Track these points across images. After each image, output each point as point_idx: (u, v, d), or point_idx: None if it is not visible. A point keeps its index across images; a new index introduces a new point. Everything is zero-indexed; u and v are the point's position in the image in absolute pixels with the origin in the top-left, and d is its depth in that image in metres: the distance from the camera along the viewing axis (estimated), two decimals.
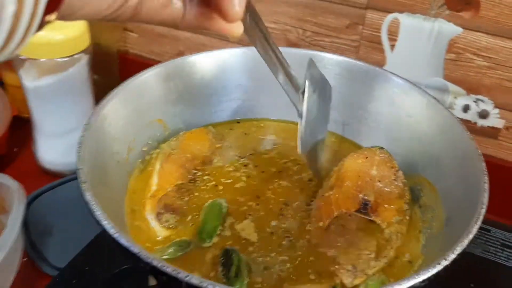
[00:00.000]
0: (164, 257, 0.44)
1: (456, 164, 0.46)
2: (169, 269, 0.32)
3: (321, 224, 0.47)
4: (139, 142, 0.52)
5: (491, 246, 0.60)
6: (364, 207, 0.48)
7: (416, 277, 0.33)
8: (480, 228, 0.62)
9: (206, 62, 0.57)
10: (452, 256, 0.35)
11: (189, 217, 0.48)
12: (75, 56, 0.68)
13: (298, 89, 0.47)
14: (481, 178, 0.41)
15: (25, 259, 0.64)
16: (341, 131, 0.60)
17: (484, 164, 0.43)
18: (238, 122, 0.62)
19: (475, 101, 0.69)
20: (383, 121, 0.56)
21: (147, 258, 0.33)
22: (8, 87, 0.85)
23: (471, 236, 0.37)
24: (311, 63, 0.49)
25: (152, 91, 0.53)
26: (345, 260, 0.44)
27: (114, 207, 0.44)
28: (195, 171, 0.53)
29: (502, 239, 0.61)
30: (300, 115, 0.47)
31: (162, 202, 0.48)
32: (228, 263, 0.43)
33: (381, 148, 0.53)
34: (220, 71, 0.58)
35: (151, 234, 0.46)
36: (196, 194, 0.51)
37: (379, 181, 0.50)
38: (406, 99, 0.54)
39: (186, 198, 0.50)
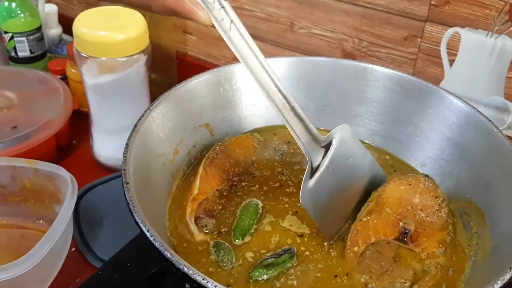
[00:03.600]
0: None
1: (507, 189, 0.44)
2: (199, 277, 0.33)
3: (356, 249, 0.46)
4: (185, 145, 0.53)
5: None
6: (404, 236, 0.47)
7: None
8: None
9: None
10: None
11: (226, 222, 0.49)
12: (134, 56, 0.71)
13: (320, 143, 0.47)
14: None
15: (73, 249, 0.67)
16: (388, 147, 0.58)
17: None
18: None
19: None
20: (434, 140, 0.54)
21: (178, 264, 0.34)
22: (71, 82, 0.89)
23: None
24: (346, 129, 0.48)
25: (201, 96, 0.54)
26: (377, 285, 0.43)
27: (155, 208, 0.45)
28: (237, 177, 0.54)
29: None
30: (311, 167, 0.46)
31: (202, 206, 0.49)
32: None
33: (427, 176, 0.51)
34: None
35: (189, 237, 0.47)
36: (236, 200, 0.51)
37: (421, 210, 0.48)
38: (459, 119, 0.52)
39: (225, 204, 0.51)
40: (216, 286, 0.32)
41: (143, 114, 0.47)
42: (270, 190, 0.53)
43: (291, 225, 0.49)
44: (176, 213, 0.49)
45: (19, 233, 0.69)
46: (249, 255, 0.46)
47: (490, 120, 0.49)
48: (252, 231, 0.48)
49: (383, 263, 0.45)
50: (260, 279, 0.43)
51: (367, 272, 0.44)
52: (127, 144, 0.44)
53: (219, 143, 0.55)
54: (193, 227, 0.47)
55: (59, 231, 0.59)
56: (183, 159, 0.53)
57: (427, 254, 0.45)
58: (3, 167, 0.68)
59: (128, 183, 0.40)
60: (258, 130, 0.60)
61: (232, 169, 0.54)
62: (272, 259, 0.45)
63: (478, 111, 0.51)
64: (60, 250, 0.65)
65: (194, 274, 0.33)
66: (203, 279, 0.33)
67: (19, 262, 0.54)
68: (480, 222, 0.46)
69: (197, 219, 0.48)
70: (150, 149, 0.47)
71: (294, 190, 0.52)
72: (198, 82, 0.54)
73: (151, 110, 0.48)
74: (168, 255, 0.34)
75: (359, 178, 0.49)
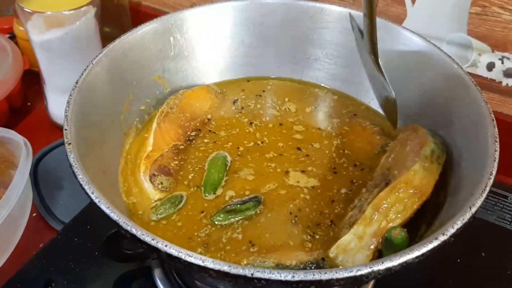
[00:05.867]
0: (159, 215, 0.44)
1: (467, 129, 0.43)
2: (148, 237, 0.31)
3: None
4: (137, 100, 0.50)
5: (507, 213, 0.57)
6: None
7: (410, 252, 0.31)
8: (497, 194, 0.59)
9: (208, 16, 0.54)
10: (451, 231, 0.33)
11: (184, 180, 0.47)
12: (82, 8, 0.67)
13: None
14: (491, 145, 0.38)
15: (34, 214, 0.65)
16: (349, 90, 0.56)
17: (496, 131, 0.39)
18: (248, 81, 0.59)
19: (500, 59, 0.65)
20: (393, 80, 0.52)
21: (126, 226, 0.32)
22: (20, 40, 0.84)
23: (474, 210, 0.34)
24: None
25: (149, 47, 0.51)
26: None
27: (106, 169, 0.43)
28: (194, 132, 0.52)
29: None
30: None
31: (157, 163, 0.47)
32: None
33: None
34: (223, 25, 0.55)
35: (144, 197, 0.45)
36: (193, 156, 0.49)
37: None
38: (419, 57, 0.50)
39: (182, 161, 0.49)
40: (166, 246, 0.31)
41: (85, 69, 0.44)
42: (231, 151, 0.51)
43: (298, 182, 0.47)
44: (129, 173, 0.46)
45: None
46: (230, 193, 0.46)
47: (450, 57, 0.48)
48: (223, 183, 0.46)
49: None
50: (220, 223, 0.43)
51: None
52: (68, 102, 0.41)
53: (173, 96, 0.52)
54: (147, 185, 0.45)
55: (15, 196, 0.57)
56: (136, 115, 0.50)
57: None
58: None
59: (70, 143, 0.37)
60: (223, 83, 0.58)
61: (188, 123, 0.51)
62: (238, 205, 0.44)
63: (437, 47, 0.49)
64: (19, 216, 0.63)
65: (143, 235, 0.31)
66: (153, 239, 0.31)
67: None
68: None
69: (152, 177, 0.46)
70: (95, 106, 0.44)
71: (275, 155, 0.50)
72: (144, 32, 0.51)
73: (93, 64, 0.45)
74: (115, 217, 0.32)
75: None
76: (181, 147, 0.50)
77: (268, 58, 0.57)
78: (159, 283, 0.50)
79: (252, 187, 0.46)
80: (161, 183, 0.46)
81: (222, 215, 0.43)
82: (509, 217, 0.57)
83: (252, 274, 0.29)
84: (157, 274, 0.51)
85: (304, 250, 0.40)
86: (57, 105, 0.77)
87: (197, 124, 0.52)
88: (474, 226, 0.56)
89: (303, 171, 0.48)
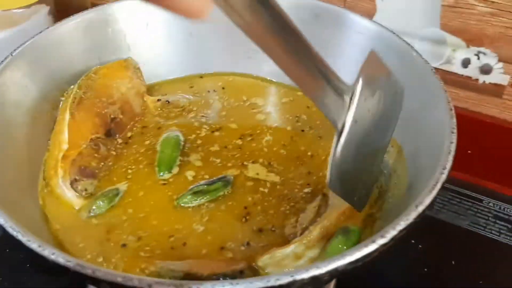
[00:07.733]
0: (91, 214, 0.39)
1: (426, 120, 0.39)
2: (34, 244, 0.27)
3: None
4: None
5: (481, 218, 0.53)
6: None
7: (341, 258, 0.27)
8: (471, 197, 0.55)
9: (147, 9, 0.50)
10: (392, 233, 0.28)
11: (112, 180, 0.42)
12: (32, 6, 0.64)
13: (341, 92, 0.33)
14: (447, 137, 0.34)
15: None
16: None
17: (454, 121, 0.35)
18: (201, 78, 0.55)
19: (476, 54, 0.61)
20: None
21: (12, 231, 0.27)
22: None
23: (421, 209, 0.29)
24: (373, 57, 0.35)
25: (72, 43, 0.47)
26: None
27: (25, 175, 0.39)
28: (113, 119, 0.46)
29: (496, 211, 0.53)
30: (337, 131, 0.33)
31: (76, 164, 0.40)
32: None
33: None
34: (165, 17, 0.51)
35: (68, 205, 0.40)
36: (116, 150, 0.45)
37: None
38: (375, 45, 0.46)
39: (106, 157, 0.44)
40: (53, 254, 0.26)
41: (3, 60, 0.40)
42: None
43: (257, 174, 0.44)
44: (48, 178, 0.41)
45: None
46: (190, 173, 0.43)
47: (408, 44, 0.44)
48: (179, 162, 0.44)
49: None
50: (186, 205, 0.40)
51: None
52: None
53: (84, 77, 0.45)
54: (70, 194, 0.39)
55: None
56: None
57: None
58: None
59: None
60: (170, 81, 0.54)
61: (105, 110, 0.45)
62: (205, 186, 0.41)
63: (394, 33, 0.45)
64: None
65: (28, 241, 0.27)
66: (39, 246, 0.27)
67: None
68: (398, 159, 0.40)
69: (73, 183, 0.40)
70: (13, 101, 0.40)
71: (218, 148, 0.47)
72: (78, 22, 0.47)
73: (13, 56, 0.41)
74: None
75: (387, 116, 0.37)
76: (102, 141, 0.44)
77: (219, 53, 0.53)
78: None
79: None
80: (85, 189, 0.40)
81: (188, 197, 0.41)
82: (483, 222, 0.52)
83: None
84: None
85: (227, 258, 0.36)
86: None
87: (117, 110, 0.46)
88: (444, 233, 0.52)
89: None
